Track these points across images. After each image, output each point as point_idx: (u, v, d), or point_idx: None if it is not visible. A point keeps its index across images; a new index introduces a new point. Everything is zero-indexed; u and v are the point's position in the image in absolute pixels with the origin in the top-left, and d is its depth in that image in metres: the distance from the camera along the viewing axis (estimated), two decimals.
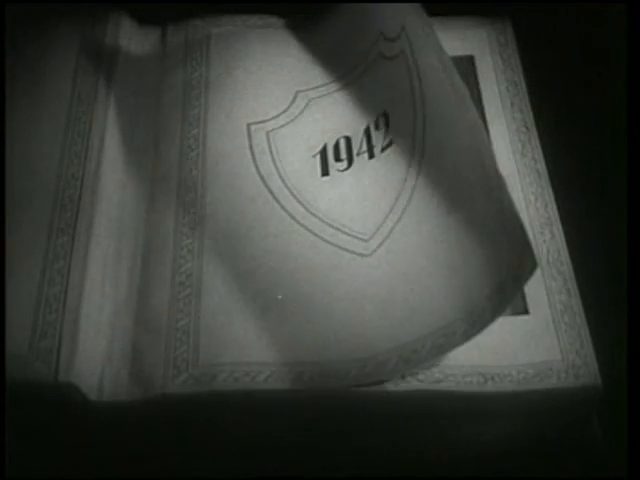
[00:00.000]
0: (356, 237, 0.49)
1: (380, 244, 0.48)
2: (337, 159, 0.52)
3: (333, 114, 0.55)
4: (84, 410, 0.43)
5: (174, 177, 0.51)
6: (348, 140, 0.53)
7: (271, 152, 0.52)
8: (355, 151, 0.52)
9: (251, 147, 0.52)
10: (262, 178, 0.51)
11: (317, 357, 0.45)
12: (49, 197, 0.48)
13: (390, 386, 0.45)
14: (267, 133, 0.53)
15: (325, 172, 0.52)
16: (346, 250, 0.48)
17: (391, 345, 0.44)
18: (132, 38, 0.58)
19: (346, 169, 0.52)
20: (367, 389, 0.44)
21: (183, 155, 0.53)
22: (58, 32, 0.55)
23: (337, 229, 0.49)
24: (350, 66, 0.56)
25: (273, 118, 0.54)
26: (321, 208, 0.50)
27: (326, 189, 0.51)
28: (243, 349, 0.45)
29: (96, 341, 0.45)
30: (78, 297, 0.45)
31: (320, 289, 0.47)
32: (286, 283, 0.47)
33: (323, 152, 0.53)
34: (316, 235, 0.49)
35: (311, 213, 0.50)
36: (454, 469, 0.44)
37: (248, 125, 0.54)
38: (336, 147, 0.53)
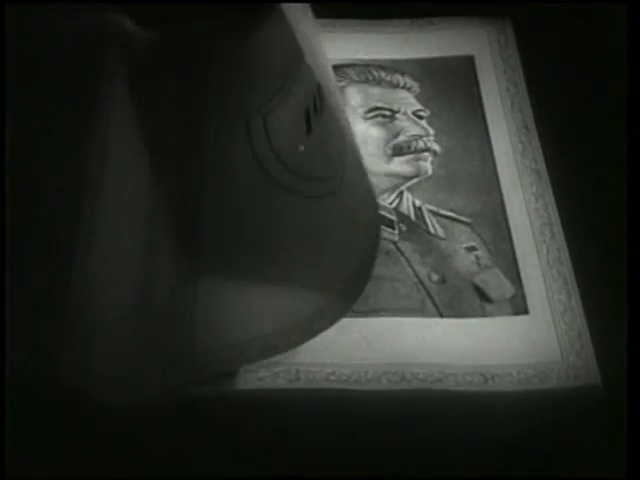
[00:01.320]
0: (328, 179, 0.48)
1: (342, 178, 0.47)
2: (315, 111, 0.52)
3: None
4: (85, 410, 0.43)
5: (174, 174, 0.51)
6: (319, 86, 0.52)
7: (267, 135, 0.52)
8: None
9: (249, 134, 0.52)
10: (260, 164, 0.51)
11: (300, 317, 0.45)
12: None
13: (390, 386, 0.45)
14: (263, 117, 0.53)
15: (309, 129, 0.52)
16: (323, 195, 0.48)
17: None
18: (132, 39, 0.58)
19: (321, 117, 0.51)
20: (367, 389, 0.44)
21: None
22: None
23: (315, 179, 0.49)
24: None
25: (269, 100, 0.54)
26: (307, 168, 0.50)
27: (309, 146, 0.51)
28: (239, 331, 0.45)
29: (97, 341, 0.45)
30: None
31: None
32: (283, 256, 0.47)
33: (307, 110, 0.53)
34: (307, 197, 0.48)
35: (302, 177, 0.49)
36: (454, 469, 0.44)
37: (245, 113, 0.54)
38: (314, 99, 0.53)
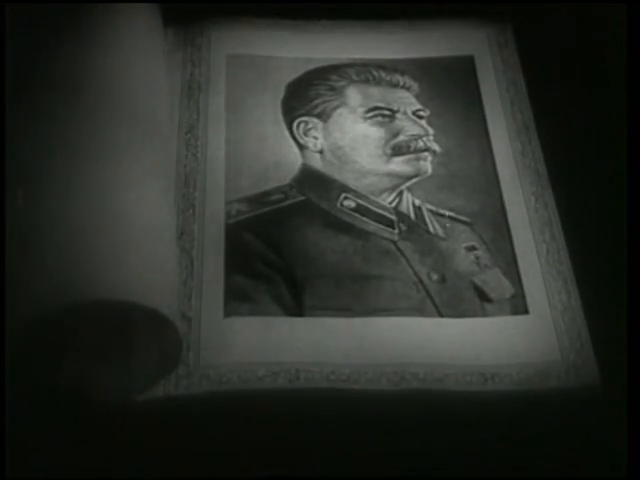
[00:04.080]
0: None
1: None
2: None
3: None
4: (84, 410, 0.43)
5: (173, 172, 0.52)
6: None
7: None
8: None
9: None
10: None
11: None
12: None
13: (390, 386, 0.45)
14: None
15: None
16: None
17: None
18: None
19: None
20: (367, 389, 0.45)
21: (180, 153, 0.53)
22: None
23: None
24: None
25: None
26: None
27: None
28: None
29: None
30: None
31: None
32: None
33: None
34: None
35: None
36: (454, 469, 0.44)
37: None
38: None
